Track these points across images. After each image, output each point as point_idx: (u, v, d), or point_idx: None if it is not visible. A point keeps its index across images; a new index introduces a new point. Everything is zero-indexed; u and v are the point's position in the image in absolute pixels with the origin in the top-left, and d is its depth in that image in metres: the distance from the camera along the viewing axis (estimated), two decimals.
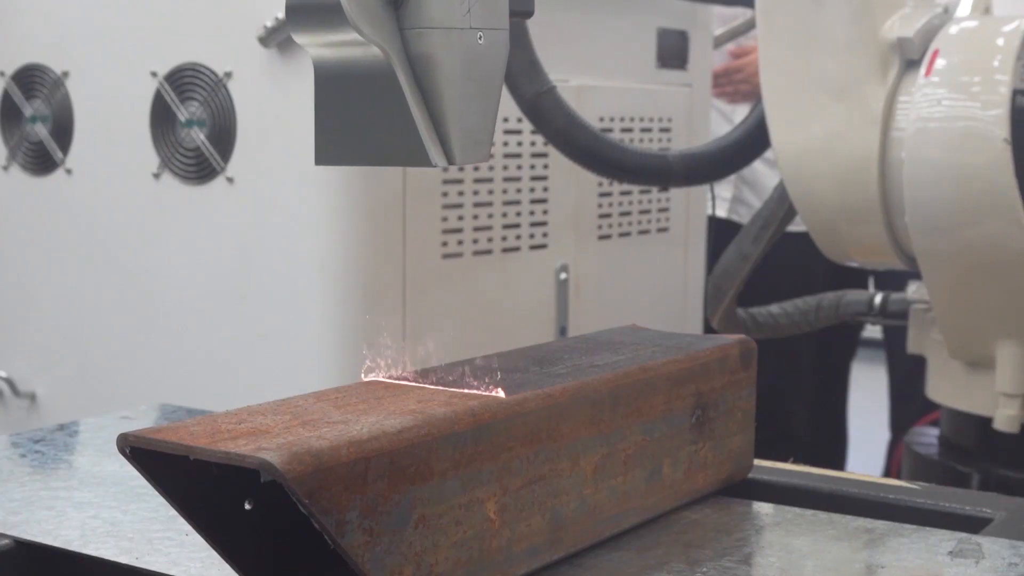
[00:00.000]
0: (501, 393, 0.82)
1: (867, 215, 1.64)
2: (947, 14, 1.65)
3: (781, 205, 1.87)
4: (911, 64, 1.62)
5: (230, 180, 1.76)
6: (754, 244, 1.91)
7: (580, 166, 1.81)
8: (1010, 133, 1.50)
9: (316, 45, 0.83)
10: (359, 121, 0.85)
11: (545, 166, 1.97)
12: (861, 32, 1.62)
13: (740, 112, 2.76)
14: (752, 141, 1.87)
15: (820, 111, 1.65)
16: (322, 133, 0.86)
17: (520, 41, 1.70)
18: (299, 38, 0.83)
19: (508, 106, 1.78)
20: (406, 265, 1.76)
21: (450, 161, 0.85)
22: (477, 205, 1.87)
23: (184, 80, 1.79)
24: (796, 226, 1.88)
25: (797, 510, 1.00)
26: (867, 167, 1.62)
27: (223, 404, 0.92)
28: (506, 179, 1.92)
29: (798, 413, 3.04)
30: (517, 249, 1.95)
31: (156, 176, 1.83)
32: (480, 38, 0.85)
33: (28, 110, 1.96)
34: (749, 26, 2.56)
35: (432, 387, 0.84)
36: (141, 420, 1.26)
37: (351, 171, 1.69)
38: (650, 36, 2.23)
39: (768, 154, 1.86)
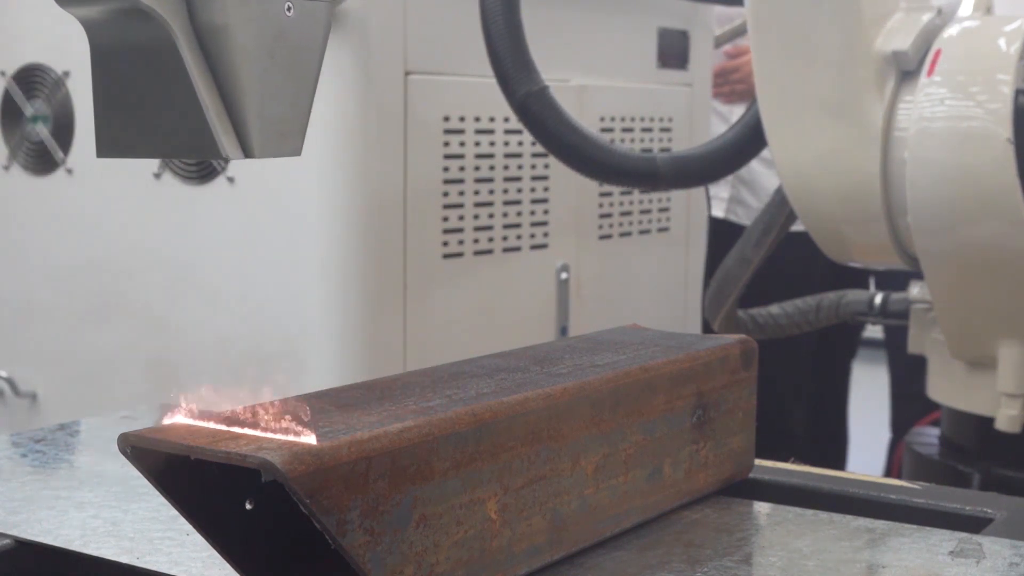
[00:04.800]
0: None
1: (870, 220, 1.64)
2: (941, 16, 1.65)
3: (782, 209, 1.86)
4: (907, 75, 1.61)
5: (231, 180, 1.76)
6: (756, 248, 1.91)
7: (568, 167, 1.81)
8: (1012, 133, 1.50)
9: (86, 14, 0.71)
10: (142, 106, 0.72)
11: (546, 166, 1.97)
12: (854, 48, 1.61)
13: (737, 112, 2.76)
14: (743, 145, 1.85)
15: (819, 129, 1.64)
16: (103, 120, 0.74)
17: (514, 40, 1.69)
18: (64, 5, 0.71)
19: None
20: (406, 265, 1.76)
21: (247, 154, 0.72)
22: (478, 205, 1.87)
23: None
24: (796, 226, 1.88)
25: (797, 510, 1.00)
26: (870, 182, 1.61)
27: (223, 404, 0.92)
28: (507, 179, 1.92)
29: (798, 413, 3.04)
30: (518, 249, 1.95)
31: (157, 176, 1.83)
32: (289, 9, 0.72)
33: (29, 110, 1.96)
34: None
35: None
36: (142, 420, 1.26)
37: (351, 170, 1.69)
38: (651, 36, 2.23)
39: (765, 153, 1.85)
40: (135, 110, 0.72)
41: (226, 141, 0.71)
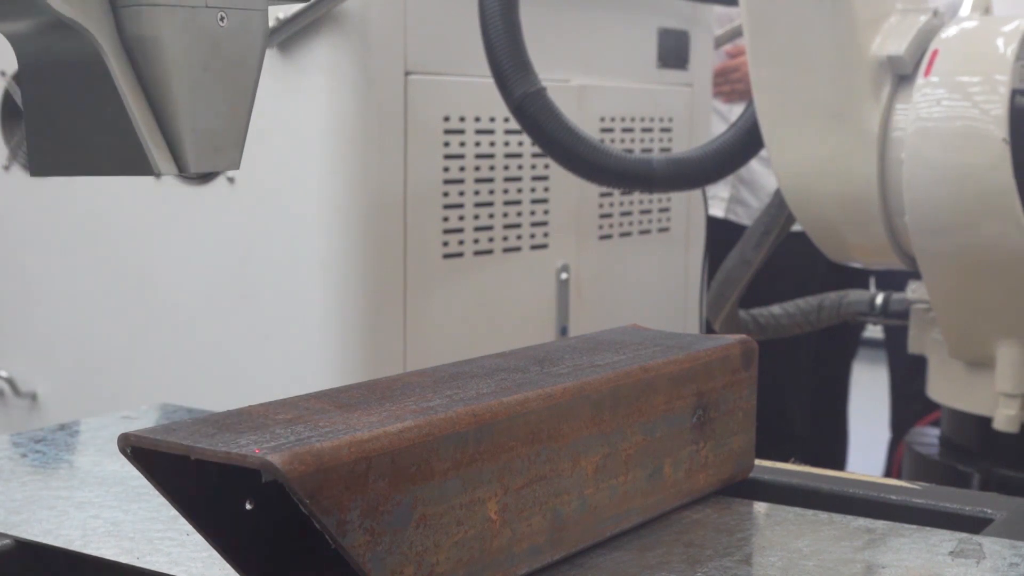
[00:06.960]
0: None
1: (868, 221, 1.64)
2: (939, 17, 1.64)
3: (782, 211, 1.87)
4: (904, 79, 1.61)
5: (231, 180, 1.76)
6: (756, 250, 1.91)
7: (564, 168, 1.80)
8: (1009, 133, 1.50)
9: (11, 29, 0.68)
10: (74, 123, 0.70)
11: (546, 166, 1.97)
12: (849, 54, 1.61)
13: (736, 111, 2.76)
14: (739, 147, 1.84)
15: (817, 134, 1.64)
16: (36, 138, 0.72)
17: (512, 41, 1.69)
18: None
19: None
20: (407, 265, 1.76)
21: (182, 169, 0.70)
22: (478, 205, 1.87)
23: None
24: (796, 226, 1.88)
25: (798, 510, 1.00)
26: (867, 184, 1.62)
27: (223, 404, 0.92)
28: (507, 179, 1.92)
29: (798, 413, 3.04)
30: (518, 249, 1.95)
31: (157, 176, 1.83)
32: (222, 19, 0.70)
33: None
34: None
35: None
36: (142, 420, 1.26)
37: (351, 170, 1.69)
38: (651, 36, 2.23)
39: (764, 153, 1.85)
40: (67, 127, 0.70)
41: (158, 156, 0.69)
